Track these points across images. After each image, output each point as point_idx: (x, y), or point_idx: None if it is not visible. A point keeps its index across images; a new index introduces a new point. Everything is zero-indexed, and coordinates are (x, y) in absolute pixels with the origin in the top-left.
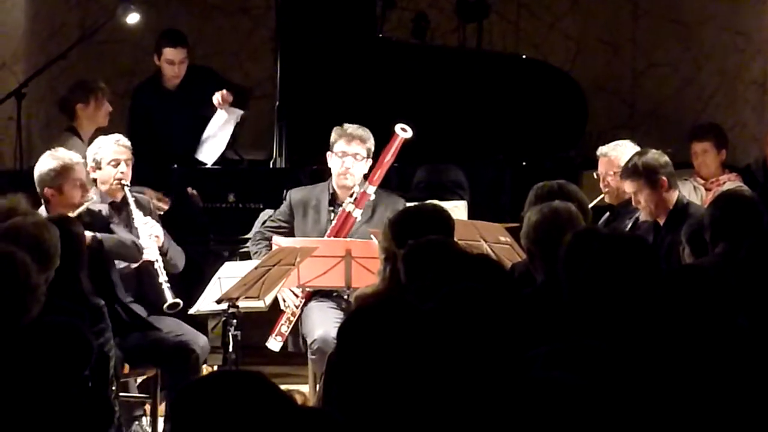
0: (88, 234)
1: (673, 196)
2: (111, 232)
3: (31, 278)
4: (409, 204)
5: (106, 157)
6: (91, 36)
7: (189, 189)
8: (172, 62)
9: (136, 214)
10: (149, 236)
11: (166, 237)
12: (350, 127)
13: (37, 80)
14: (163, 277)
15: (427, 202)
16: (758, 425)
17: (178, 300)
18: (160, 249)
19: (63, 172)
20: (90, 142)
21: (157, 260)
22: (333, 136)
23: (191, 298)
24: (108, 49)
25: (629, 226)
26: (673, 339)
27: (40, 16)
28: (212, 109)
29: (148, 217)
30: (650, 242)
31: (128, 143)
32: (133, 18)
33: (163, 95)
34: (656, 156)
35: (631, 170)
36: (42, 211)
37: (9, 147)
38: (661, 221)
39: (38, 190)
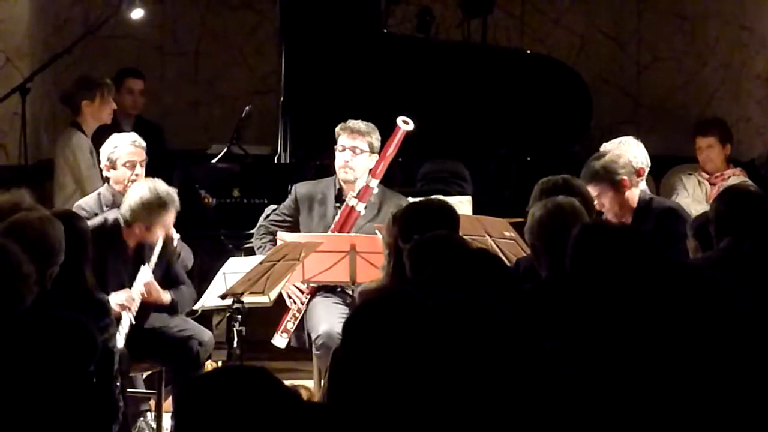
0: (167, 296)
1: (636, 194)
2: (168, 264)
3: (22, 268)
4: (414, 199)
5: (122, 158)
6: (96, 31)
7: (203, 193)
8: (132, 91)
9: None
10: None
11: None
12: (353, 122)
13: (41, 75)
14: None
15: (432, 197)
16: (765, 418)
17: (196, 307)
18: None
19: (160, 213)
20: (93, 138)
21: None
22: (337, 131)
23: (196, 293)
24: (112, 44)
25: None
26: (677, 332)
27: (44, 12)
28: None
29: (148, 268)
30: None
31: (144, 144)
32: (137, 13)
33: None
34: (613, 158)
35: (591, 174)
36: (112, 218)
37: (14, 142)
38: (628, 221)
39: (127, 212)
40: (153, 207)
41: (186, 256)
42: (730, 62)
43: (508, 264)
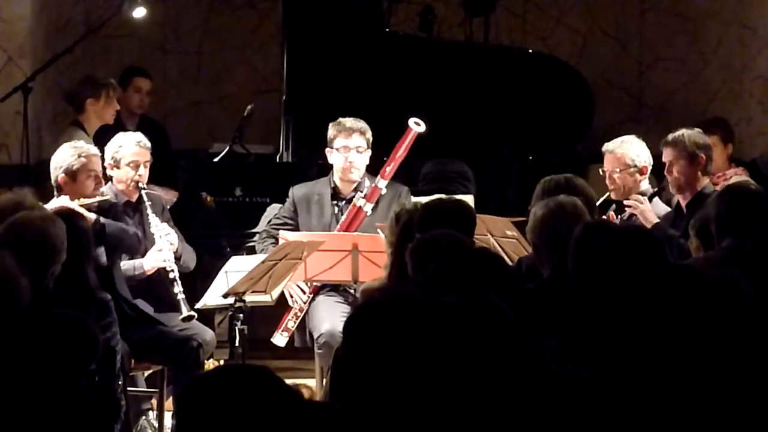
0: (91, 215)
1: (704, 181)
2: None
3: (15, 278)
4: (425, 198)
5: (126, 158)
6: (97, 30)
7: (203, 194)
8: (140, 90)
9: (153, 220)
10: (164, 244)
11: (179, 238)
12: (347, 121)
13: (43, 75)
14: (178, 288)
15: (451, 197)
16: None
17: (193, 313)
18: (175, 254)
19: (79, 160)
20: (95, 138)
21: (173, 270)
22: (331, 132)
23: (197, 292)
24: (114, 43)
25: (619, 218)
26: (680, 332)
27: (46, 11)
28: None
29: (165, 224)
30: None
31: (149, 145)
32: (139, 12)
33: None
34: (702, 135)
35: (675, 139)
36: (55, 201)
37: (16, 141)
38: (684, 200)
39: (52, 176)
40: (67, 157)
41: (188, 258)
42: (732, 62)
43: (511, 263)
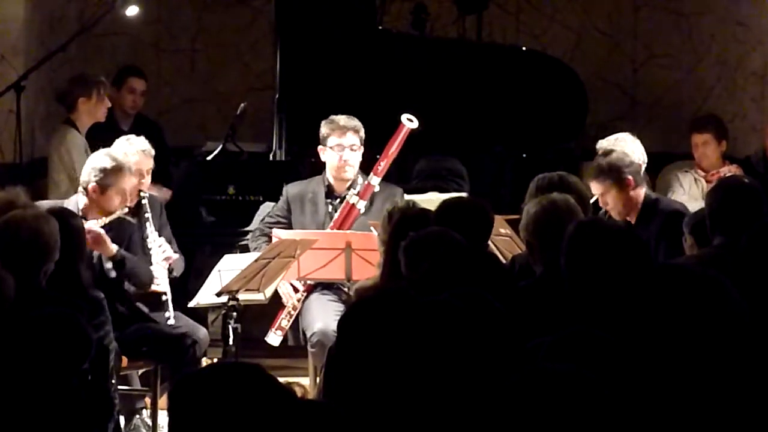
0: (113, 247)
1: (641, 194)
2: (133, 248)
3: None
4: (418, 195)
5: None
6: (90, 29)
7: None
8: (134, 91)
9: (151, 235)
10: (161, 270)
11: (173, 242)
12: (340, 119)
13: (36, 73)
14: (170, 313)
15: (461, 195)
16: (762, 416)
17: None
18: (168, 268)
19: (114, 174)
20: (87, 135)
21: (165, 293)
22: (324, 130)
23: (190, 290)
24: (107, 41)
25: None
26: (672, 330)
27: (39, 9)
28: None
29: (162, 239)
30: None
31: (153, 152)
32: (132, 10)
33: (117, 134)
34: (620, 156)
35: (596, 172)
36: (76, 200)
37: (8, 140)
38: (633, 219)
39: (83, 179)
40: (107, 168)
41: (178, 266)
42: (726, 59)
43: (504, 261)
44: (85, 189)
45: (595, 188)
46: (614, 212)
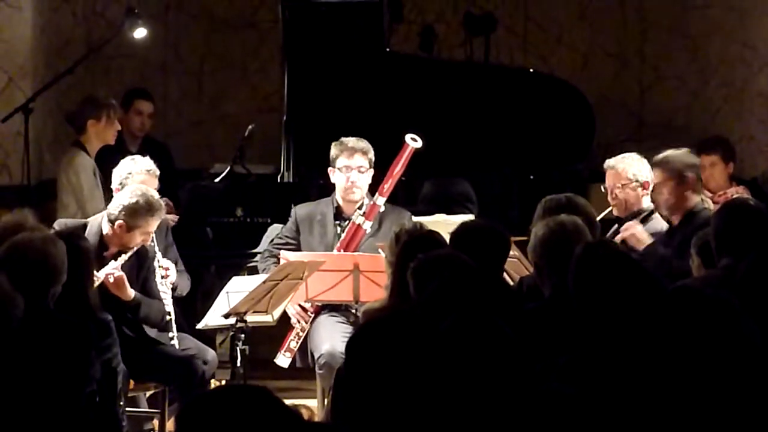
0: (131, 292)
1: (694, 199)
2: (151, 276)
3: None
4: (426, 218)
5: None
6: (98, 51)
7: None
8: (141, 113)
9: (156, 254)
10: (167, 295)
11: (178, 262)
12: (349, 141)
13: (44, 95)
14: (173, 333)
15: (474, 219)
16: None
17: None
18: (172, 285)
19: (144, 217)
20: (96, 158)
21: (169, 314)
22: (333, 151)
23: (198, 312)
24: (115, 64)
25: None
26: (679, 352)
27: (47, 31)
28: None
29: (165, 259)
30: (659, 250)
31: (158, 173)
32: (140, 33)
33: (126, 156)
34: (689, 155)
35: (661, 160)
36: (100, 222)
37: (17, 162)
38: (676, 220)
39: (111, 212)
40: (139, 209)
41: (183, 286)
42: (733, 81)
43: (512, 282)
44: (112, 222)
45: (657, 175)
46: (664, 205)
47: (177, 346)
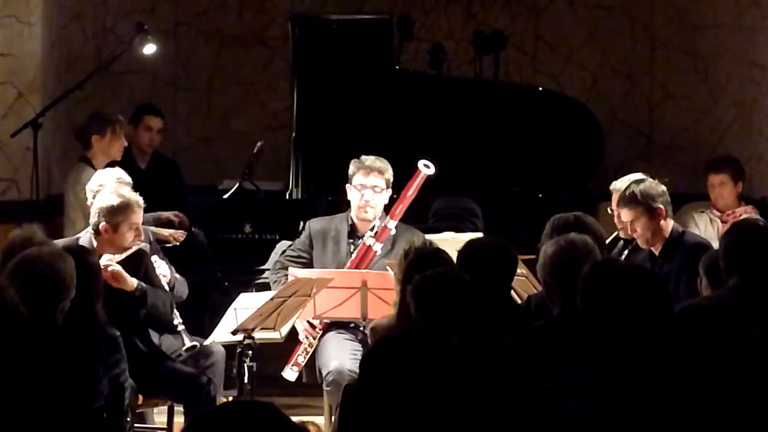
0: (133, 281)
1: (669, 225)
2: (150, 274)
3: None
4: (434, 235)
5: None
6: (108, 66)
7: (194, 228)
8: (150, 129)
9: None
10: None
11: (171, 269)
12: (368, 159)
13: (53, 111)
14: (178, 320)
15: (482, 236)
16: None
17: (195, 343)
18: (168, 284)
19: (123, 211)
20: None
21: (181, 323)
22: (351, 169)
23: (206, 329)
24: (124, 79)
25: (624, 254)
26: (688, 371)
27: (56, 47)
28: None
29: (158, 258)
30: None
31: (129, 180)
32: (149, 49)
33: (135, 173)
34: (653, 185)
35: (628, 198)
36: (86, 240)
37: (25, 177)
38: (657, 250)
39: (93, 221)
40: (115, 205)
41: (181, 288)
42: (742, 100)
43: (520, 301)
44: (96, 230)
45: (626, 215)
46: (641, 240)
47: (191, 343)
